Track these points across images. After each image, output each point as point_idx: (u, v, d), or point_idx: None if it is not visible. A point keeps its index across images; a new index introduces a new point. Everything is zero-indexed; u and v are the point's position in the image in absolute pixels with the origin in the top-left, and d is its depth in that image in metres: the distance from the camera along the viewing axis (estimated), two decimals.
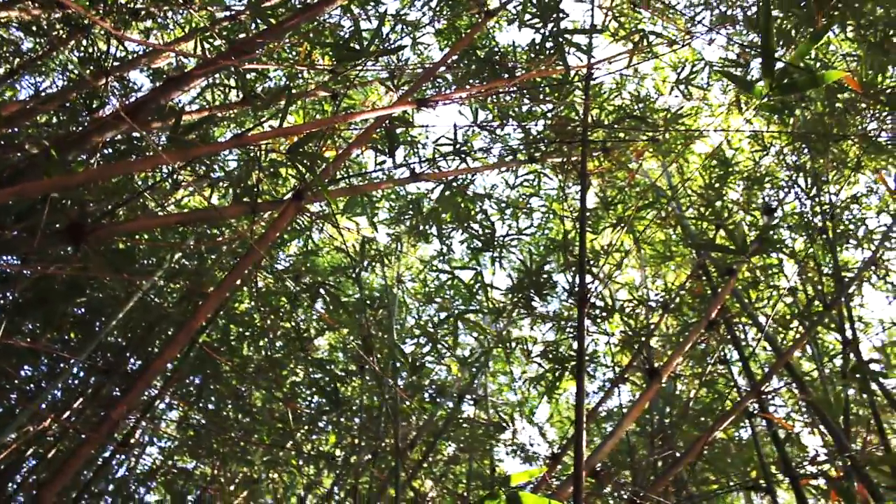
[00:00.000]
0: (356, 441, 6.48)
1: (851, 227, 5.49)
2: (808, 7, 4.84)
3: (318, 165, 3.15)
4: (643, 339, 4.36)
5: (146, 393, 6.62)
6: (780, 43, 5.01)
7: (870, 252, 5.08)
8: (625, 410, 4.82)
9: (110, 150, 4.18)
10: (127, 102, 3.74)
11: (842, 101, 5.08)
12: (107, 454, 6.19)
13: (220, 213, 3.37)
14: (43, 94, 5.44)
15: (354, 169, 5.19)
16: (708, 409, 5.24)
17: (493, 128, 4.67)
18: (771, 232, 5.14)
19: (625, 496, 3.61)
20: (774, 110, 2.23)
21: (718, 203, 5.25)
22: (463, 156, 4.11)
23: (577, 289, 3.54)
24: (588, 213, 5.02)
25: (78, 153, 3.16)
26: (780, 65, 2.33)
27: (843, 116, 5.23)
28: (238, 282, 5.91)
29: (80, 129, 3.34)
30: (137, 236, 5.35)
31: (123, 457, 7.01)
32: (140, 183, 5.00)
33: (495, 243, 4.78)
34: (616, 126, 4.55)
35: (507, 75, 4.01)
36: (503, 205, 5.41)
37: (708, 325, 4.29)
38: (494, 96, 4.53)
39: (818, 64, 5.48)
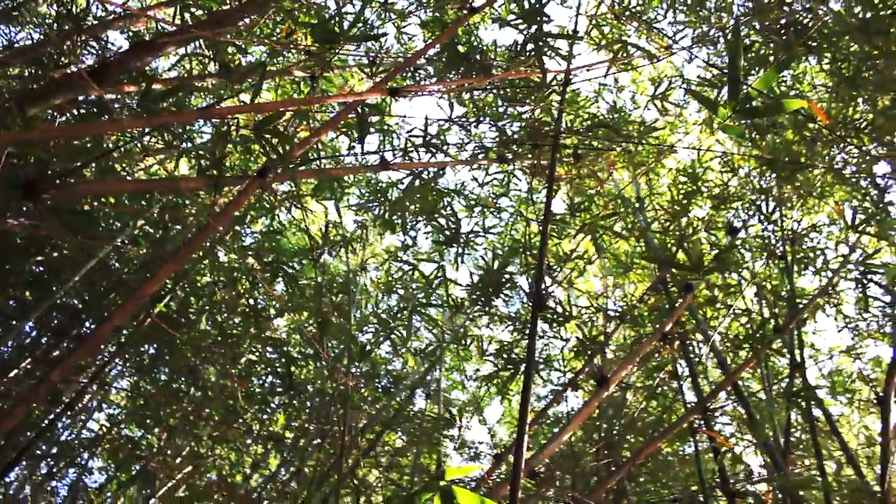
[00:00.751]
0: (306, 424, 6.48)
1: (811, 254, 5.60)
2: (788, 36, 4.92)
3: (284, 144, 3.13)
4: (596, 346, 4.40)
5: (98, 358, 6.55)
6: (757, 68, 5.09)
7: (825, 280, 5.17)
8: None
9: (80, 111, 4.11)
10: (97, 62, 3.68)
11: (811, 131, 5.17)
12: (52, 417, 6.11)
13: (180, 183, 3.34)
14: (16, 45, 5.33)
15: (327, 152, 5.16)
16: (655, 421, 5.31)
17: (467, 124, 4.67)
18: (731, 252, 5.21)
19: (564, 500, 3.65)
20: (738, 133, 2.27)
21: (684, 219, 5.32)
22: (434, 149, 4.11)
23: (533, 291, 3.56)
24: (554, 218, 5.06)
25: (42, 109, 3.10)
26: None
27: (812, 146, 5.33)
28: (199, 254, 5.88)
29: (46, 85, 3.28)
30: (102, 200, 5.28)
31: (69, 420, 6.93)
32: (109, 146, 4.94)
33: (460, 239, 4.79)
34: (589, 133, 4.58)
35: (484, 73, 4.02)
36: (472, 202, 5.43)
37: (661, 338, 4.35)
38: (471, 93, 4.53)
39: (792, 93, 5.59)
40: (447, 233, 4.77)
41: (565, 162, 4.83)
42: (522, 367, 4.72)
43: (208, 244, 5.44)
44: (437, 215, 4.77)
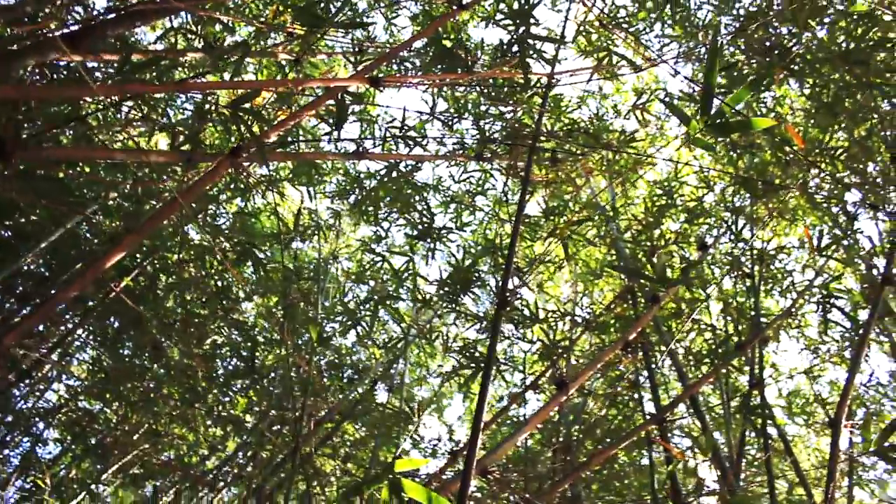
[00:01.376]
0: (267, 409, 6.44)
1: (778, 275, 5.67)
2: (771, 58, 4.97)
3: (260, 123, 3.10)
4: (560, 351, 4.42)
5: (61, 328, 6.47)
6: (738, 86, 5.14)
7: (790, 302, 5.24)
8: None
9: (53, 75, 4.05)
10: (76, 27, 3.62)
11: (786, 154, 5.22)
12: (8, 384, 6.03)
13: (151, 155, 3.30)
14: None
15: (306, 137, 5.13)
16: (613, 429, 5.34)
17: (448, 119, 4.67)
18: (699, 268, 5.27)
19: (517, 500, 3.66)
20: (708, 147, 2.29)
21: (656, 231, 5.35)
22: (411, 141, 4.10)
23: (498, 290, 3.56)
24: (528, 221, 5.08)
25: (14, 69, 3.05)
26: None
27: (787, 168, 5.39)
28: (170, 231, 5.82)
29: (21, 45, 3.22)
30: (76, 169, 5.21)
31: (27, 389, 6.84)
32: (86, 113, 4.87)
33: (432, 234, 4.79)
34: (568, 138, 4.60)
35: (468, 69, 4.01)
36: (448, 198, 5.43)
37: (624, 346, 4.38)
38: (454, 89, 4.53)
39: (772, 115, 5.65)
40: (420, 227, 4.77)
41: (543, 165, 4.85)
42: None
43: (180, 221, 5.39)
44: (410, 209, 4.76)
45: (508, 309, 4.72)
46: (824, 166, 5.35)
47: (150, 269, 6.35)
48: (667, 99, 4.47)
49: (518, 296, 4.55)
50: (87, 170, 5.35)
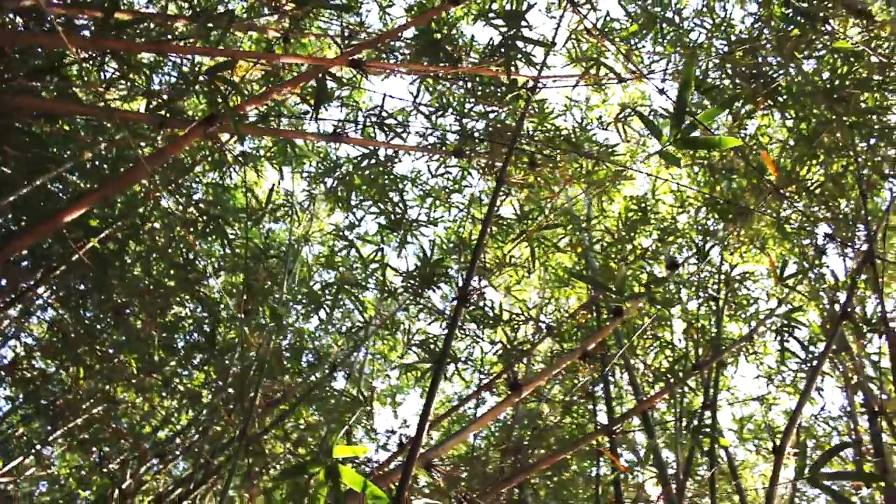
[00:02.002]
0: (224, 386, 6.39)
1: (742, 301, 5.72)
2: (756, 85, 5.02)
3: (237, 95, 3.07)
4: (519, 353, 4.42)
5: (22, 285, 6.36)
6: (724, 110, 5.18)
7: (751, 328, 5.29)
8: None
9: (41, 25, 3.98)
10: None
11: (760, 182, 5.27)
12: None
13: (124, 115, 3.25)
14: None
15: (287, 115, 5.08)
16: (565, 437, 5.37)
17: (431, 113, 4.67)
18: (667, 286, 5.31)
19: (461, 495, 3.66)
20: (675, 161, 2.31)
21: (628, 246, 5.39)
22: (389, 129, 4.08)
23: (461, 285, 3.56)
24: (501, 222, 5.08)
25: None
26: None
27: (762, 197, 5.44)
28: (143, 198, 5.76)
29: None
30: (55, 126, 5.14)
31: None
32: (67, 64, 4.80)
33: (404, 225, 4.78)
34: (548, 144, 4.61)
35: (454, 63, 4.01)
36: (424, 192, 5.41)
37: (582, 355, 4.39)
38: (439, 82, 4.52)
39: (753, 143, 5.71)
40: (392, 217, 4.75)
41: (521, 167, 4.85)
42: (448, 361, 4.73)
43: (155, 188, 5.34)
44: (385, 198, 4.75)
45: (471, 307, 4.73)
46: (798, 198, 5.42)
47: (120, 235, 6.27)
48: (641, 111, 4.48)
49: (482, 294, 4.55)
50: (66, 128, 5.27)
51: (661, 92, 5.17)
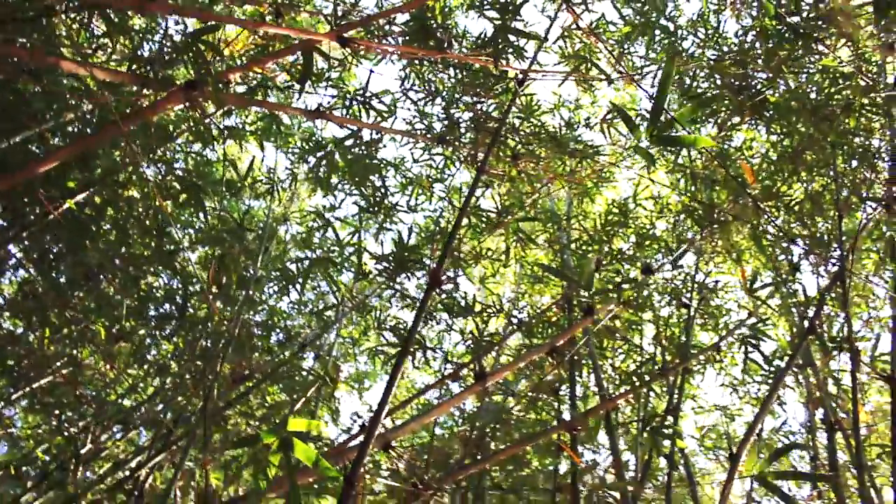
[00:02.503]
0: (192, 359, 6.36)
1: (714, 311, 5.77)
2: (743, 97, 5.05)
3: (220, 61, 3.05)
4: (488, 344, 4.44)
5: None
6: (710, 121, 5.22)
7: (719, 338, 5.33)
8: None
9: None
10: None
11: (741, 193, 5.31)
12: None
13: (106, 73, 3.22)
14: None
15: (273, 89, 5.06)
16: (528, 432, 5.39)
17: (418, 99, 4.67)
18: (639, 290, 5.34)
19: (417, 478, 3.65)
20: (648, 158, 2.33)
21: (606, 248, 5.41)
22: (373, 109, 4.07)
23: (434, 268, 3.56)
24: (481, 213, 5.09)
25: None
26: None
27: (742, 210, 5.48)
28: (125, 164, 5.71)
29: None
30: (41, 84, 5.07)
31: None
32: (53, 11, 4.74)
33: (383, 209, 4.77)
34: (532, 137, 4.62)
35: (444, 49, 4.00)
36: (406, 180, 5.40)
37: (550, 351, 4.41)
38: (428, 68, 4.52)
39: (738, 155, 5.75)
40: (372, 200, 4.74)
41: (504, 161, 4.86)
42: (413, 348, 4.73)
43: (134, 154, 5.30)
44: (366, 181, 4.74)
45: (443, 295, 4.74)
46: (776, 213, 5.46)
47: (98, 200, 6.22)
48: (625, 111, 4.49)
49: (455, 283, 4.56)
50: (51, 89, 5.21)
51: (651, 97, 5.20)
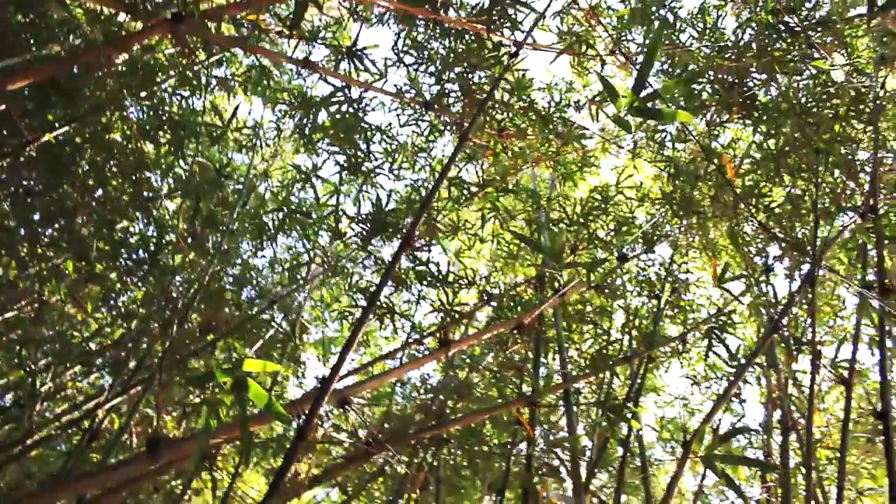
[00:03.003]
0: (162, 307, 6.32)
1: (685, 307, 5.80)
2: (733, 95, 5.06)
3: None
4: (454, 314, 4.44)
5: None
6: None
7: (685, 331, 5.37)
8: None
9: None
10: None
11: (724, 193, 5.33)
12: None
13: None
14: None
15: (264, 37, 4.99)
16: (489, 406, 5.41)
17: (410, 63, 4.63)
18: (613, 277, 5.37)
19: (368, 437, 3.66)
20: (626, 127, 2.31)
21: (584, 232, 5.41)
22: (359, 62, 4.03)
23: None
24: (462, 186, 5.07)
25: None
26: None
27: (724, 208, 5.50)
28: (108, 103, 5.62)
29: None
30: (29, 16, 4.98)
31: None
32: None
33: (363, 174, 4.74)
34: (521, 112, 4.60)
35: (437, 9, 3.96)
36: (391, 146, 5.36)
37: (517, 326, 4.42)
38: (422, 33, 4.48)
39: (725, 150, 5.77)
40: (353, 160, 4.71)
41: (490, 134, 4.84)
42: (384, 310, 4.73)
43: (118, 92, 5.22)
44: (350, 141, 4.70)
45: (416, 263, 4.73)
46: (756, 214, 5.49)
47: (79, 139, 6.13)
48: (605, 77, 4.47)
49: (429, 249, 4.55)
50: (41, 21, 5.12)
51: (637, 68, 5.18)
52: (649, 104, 2.40)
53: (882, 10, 3.67)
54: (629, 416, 4.09)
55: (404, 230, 4.97)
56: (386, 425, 4.60)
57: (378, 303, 4.58)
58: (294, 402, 3.72)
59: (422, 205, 3.43)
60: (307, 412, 3.03)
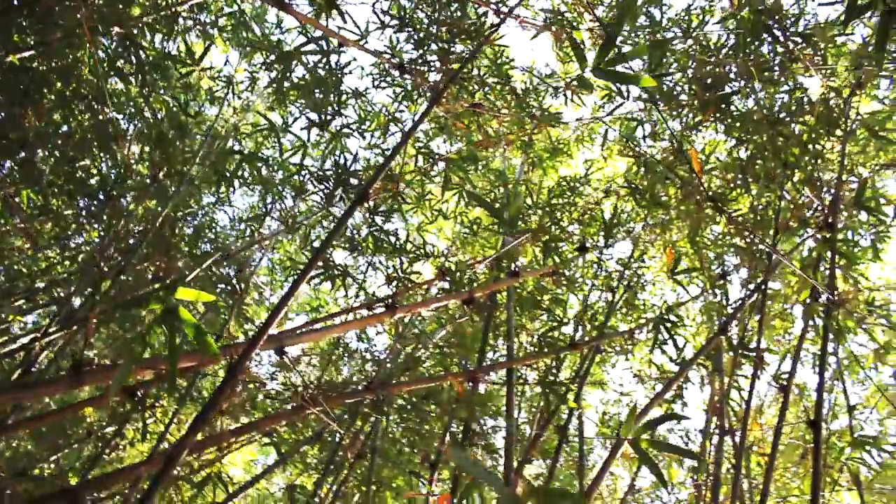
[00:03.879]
0: (115, 251, 6.20)
1: (639, 305, 5.82)
2: (710, 96, 5.07)
3: None
4: (406, 281, 4.40)
5: None
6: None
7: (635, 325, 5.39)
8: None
9: None
10: None
11: (694, 195, 5.34)
12: None
13: None
14: None
15: None
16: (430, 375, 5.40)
17: (391, 23, 4.57)
18: (571, 267, 5.37)
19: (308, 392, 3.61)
20: (590, 89, 2.27)
21: (546, 220, 5.40)
22: (336, 12, 3.95)
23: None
24: (428, 156, 5.02)
25: None
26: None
27: (688, 211, 5.52)
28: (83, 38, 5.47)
29: None
30: None
31: None
32: None
33: (328, 126, 4.67)
34: (496, 86, 4.57)
35: None
36: (365, 112, 5.29)
37: (468, 300, 4.39)
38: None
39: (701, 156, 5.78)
40: (323, 117, 4.64)
41: (465, 107, 4.79)
42: (337, 272, 4.68)
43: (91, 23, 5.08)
44: (321, 96, 4.63)
45: (375, 229, 4.68)
46: (718, 220, 5.52)
47: (45, 68, 5.97)
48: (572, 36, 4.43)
49: (387, 215, 4.51)
50: None
51: (606, 28, 5.17)
52: (614, 66, 2.37)
53: (854, 17, 3.68)
54: (569, 396, 4.09)
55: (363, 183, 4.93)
56: (324, 384, 4.55)
57: (330, 262, 4.53)
58: (230, 346, 3.65)
59: (383, 163, 3.38)
60: (241, 353, 2.98)
